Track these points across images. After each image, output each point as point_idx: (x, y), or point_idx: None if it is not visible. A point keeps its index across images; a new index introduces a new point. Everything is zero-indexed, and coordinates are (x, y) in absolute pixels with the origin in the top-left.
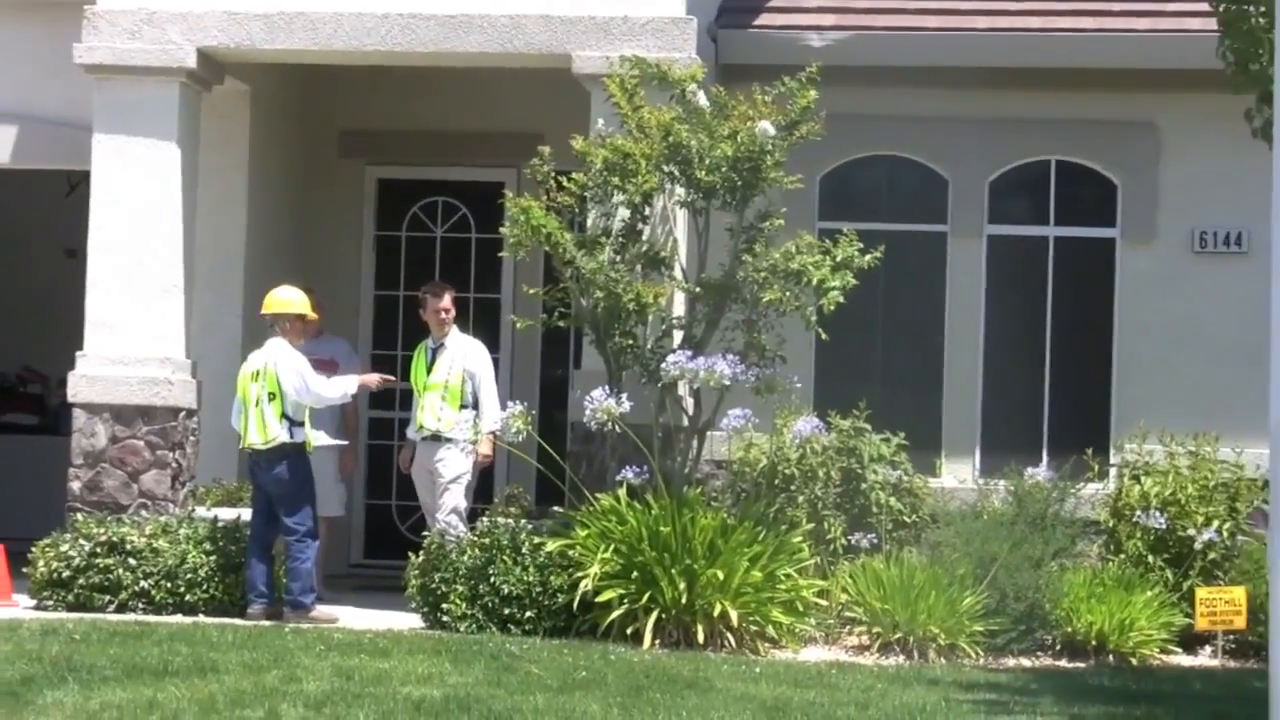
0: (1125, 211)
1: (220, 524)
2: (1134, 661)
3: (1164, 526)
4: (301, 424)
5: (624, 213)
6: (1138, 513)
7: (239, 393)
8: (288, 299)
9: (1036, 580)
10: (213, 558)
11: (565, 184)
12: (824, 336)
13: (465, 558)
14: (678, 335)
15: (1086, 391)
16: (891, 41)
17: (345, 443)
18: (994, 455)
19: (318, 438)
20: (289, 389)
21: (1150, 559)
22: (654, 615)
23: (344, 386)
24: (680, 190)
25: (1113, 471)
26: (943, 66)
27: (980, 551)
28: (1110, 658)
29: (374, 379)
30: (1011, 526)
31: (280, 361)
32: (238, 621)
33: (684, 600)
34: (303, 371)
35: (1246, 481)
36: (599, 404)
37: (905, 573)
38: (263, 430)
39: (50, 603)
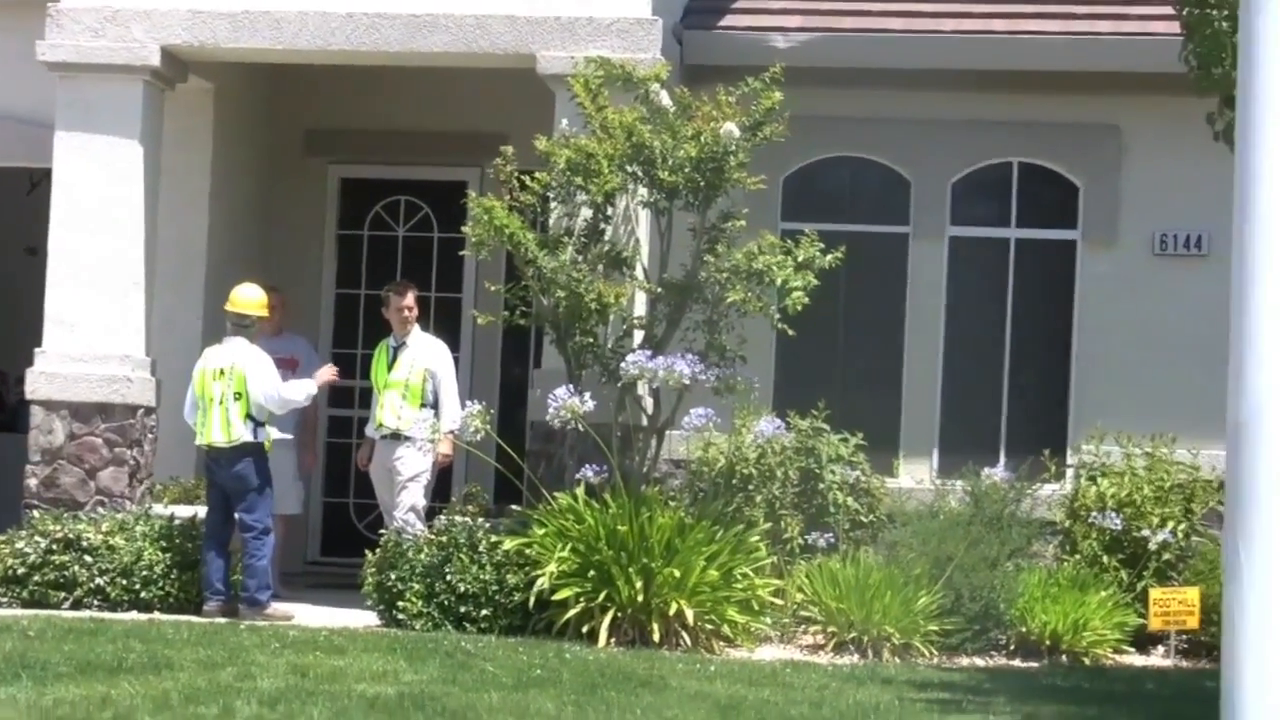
0: (1087, 214)
1: (177, 521)
2: (1087, 661)
3: (1119, 527)
4: (264, 424)
5: (586, 212)
6: (1094, 513)
7: (195, 388)
8: (248, 298)
9: (992, 580)
10: (169, 555)
11: (528, 184)
12: (791, 334)
13: (422, 556)
14: (638, 335)
15: (1045, 393)
16: (856, 43)
17: (290, 436)
18: (952, 456)
19: (273, 433)
20: (258, 395)
21: (1105, 559)
22: (610, 614)
23: (306, 389)
24: (643, 190)
25: (1070, 472)
26: (908, 69)
27: (936, 551)
28: (1064, 657)
29: (325, 372)
30: (968, 527)
31: (249, 365)
32: (193, 619)
33: (640, 599)
34: (273, 378)
35: (1202, 483)
36: (563, 402)
37: (861, 572)
38: (226, 429)
39: (5, 599)
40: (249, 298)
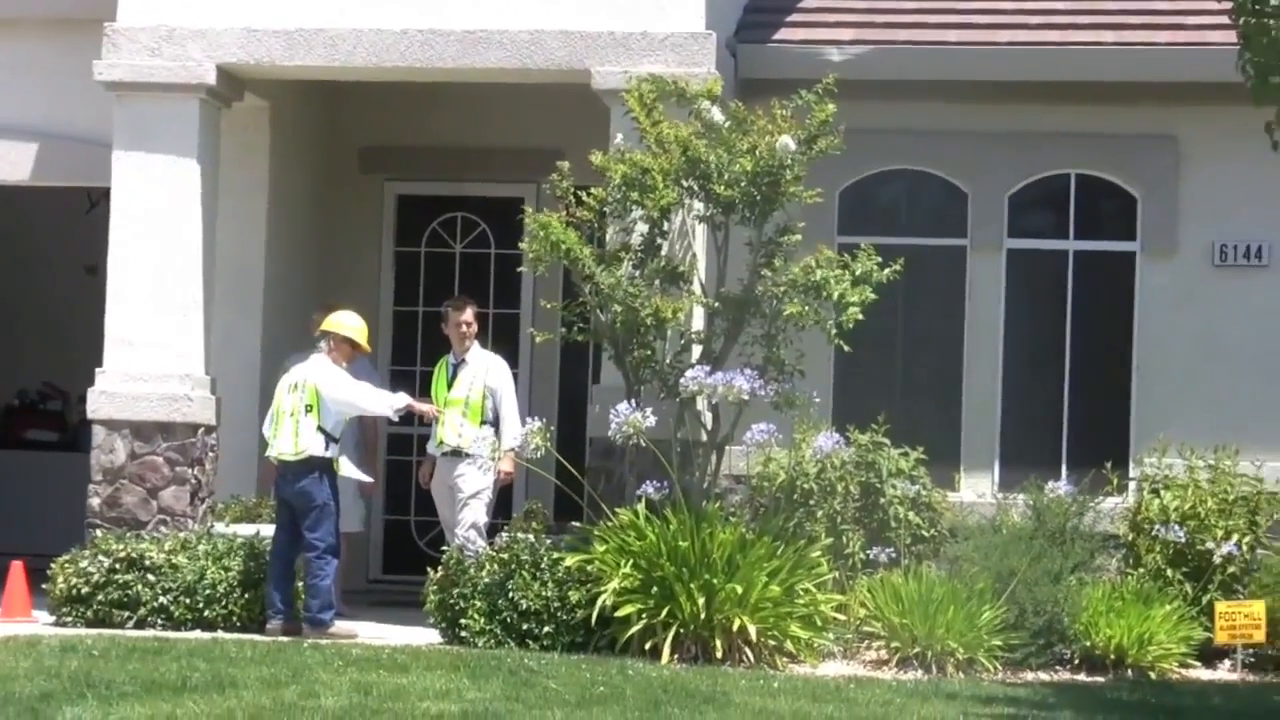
0: (1145, 225)
1: (239, 540)
2: (1153, 676)
3: (1183, 540)
4: (336, 440)
5: (643, 228)
6: (1157, 526)
7: (275, 403)
8: (340, 322)
9: (1055, 594)
10: (231, 574)
11: (584, 199)
12: (847, 349)
13: (484, 573)
14: (696, 350)
15: (1106, 405)
16: (911, 55)
17: (370, 479)
18: (1013, 469)
19: (345, 466)
20: (327, 395)
21: (1169, 573)
22: (672, 630)
23: (391, 401)
24: (699, 205)
25: (1132, 485)
26: (963, 80)
27: (999, 566)
28: (1129, 672)
29: (427, 407)
30: (1030, 541)
31: (320, 376)
32: (256, 637)
33: (702, 615)
34: (344, 381)
35: (1266, 495)
36: (625, 418)
37: (924, 587)
38: (295, 441)
39: (70, 619)
40: (334, 319)
